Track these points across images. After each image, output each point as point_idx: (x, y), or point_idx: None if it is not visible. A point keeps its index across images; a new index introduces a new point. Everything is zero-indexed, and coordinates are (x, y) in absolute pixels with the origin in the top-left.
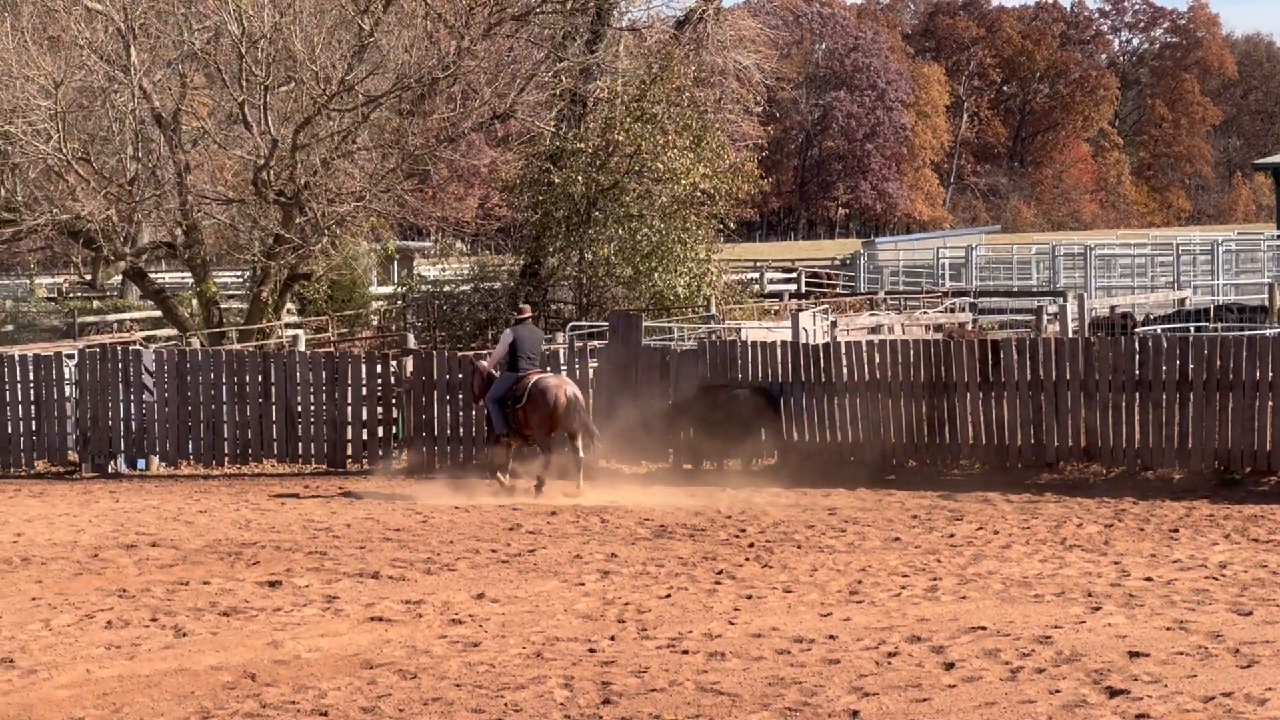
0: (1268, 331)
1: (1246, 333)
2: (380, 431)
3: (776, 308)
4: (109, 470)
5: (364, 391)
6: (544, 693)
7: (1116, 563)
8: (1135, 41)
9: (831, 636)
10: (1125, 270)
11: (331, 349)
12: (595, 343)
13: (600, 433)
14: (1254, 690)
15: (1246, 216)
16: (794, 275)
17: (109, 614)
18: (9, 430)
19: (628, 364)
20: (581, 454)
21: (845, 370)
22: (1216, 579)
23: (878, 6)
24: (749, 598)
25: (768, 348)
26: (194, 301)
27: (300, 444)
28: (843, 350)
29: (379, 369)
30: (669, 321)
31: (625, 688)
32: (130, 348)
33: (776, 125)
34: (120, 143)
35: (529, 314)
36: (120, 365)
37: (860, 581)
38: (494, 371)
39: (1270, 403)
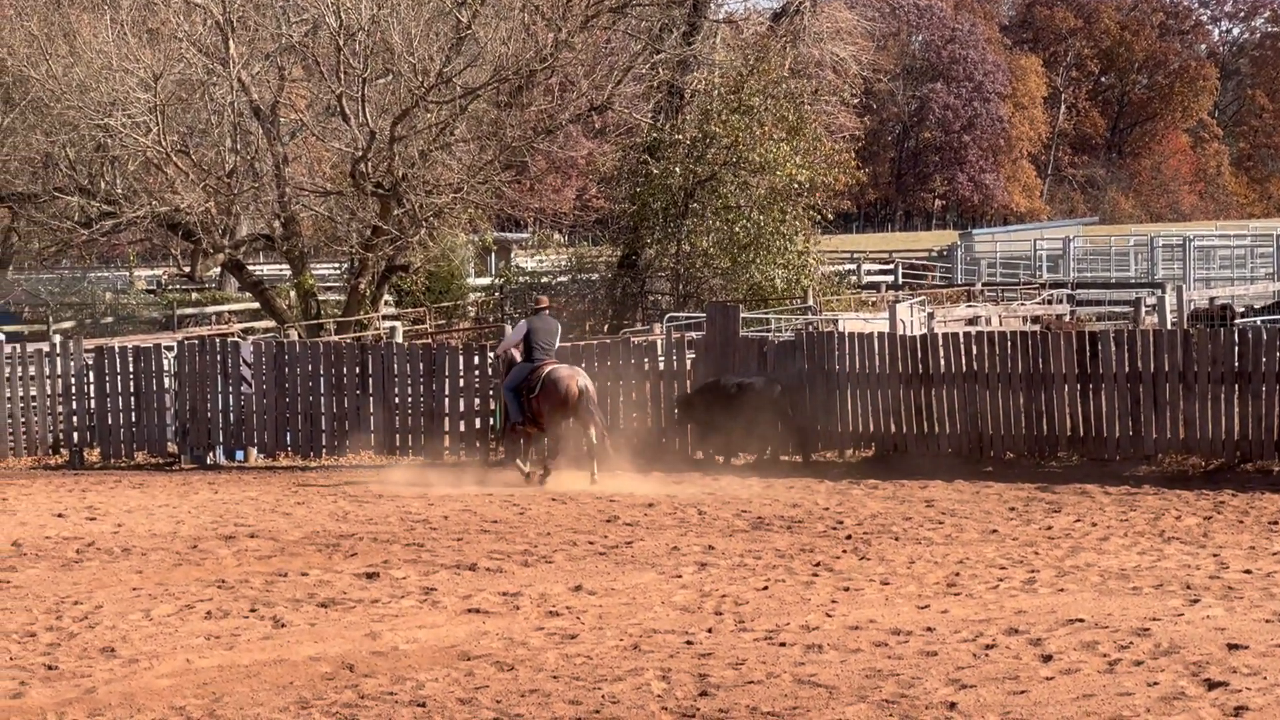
0: None
1: None
2: (478, 423)
3: (874, 299)
4: (208, 461)
5: (461, 383)
6: (641, 684)
7: (1215, 555)
8: (1235, 31)
9: (929, 629)
10: (1224, 262)
11: (429, 340)
12: (692, 334)
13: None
14: None
15: None
16: (891, 266)
17: (208, 604)
18: (109, 421)
19: (725, 355)
20: (594, 443)
21: (942, 362)
22: None
23: None
24: (846, 590)
25: (865, 339)
26: (292, 293)
27: (397, 435)
28: (940, 342)
29: (476, 360)
30: (766, 313)
31: (722, 680)
32: (229, 339)
33: (873, 117)
34: (219, 135)
35: (546, 305)
36: (219, 357)
37: (958, 574)
38: (516, 356)
39: None
